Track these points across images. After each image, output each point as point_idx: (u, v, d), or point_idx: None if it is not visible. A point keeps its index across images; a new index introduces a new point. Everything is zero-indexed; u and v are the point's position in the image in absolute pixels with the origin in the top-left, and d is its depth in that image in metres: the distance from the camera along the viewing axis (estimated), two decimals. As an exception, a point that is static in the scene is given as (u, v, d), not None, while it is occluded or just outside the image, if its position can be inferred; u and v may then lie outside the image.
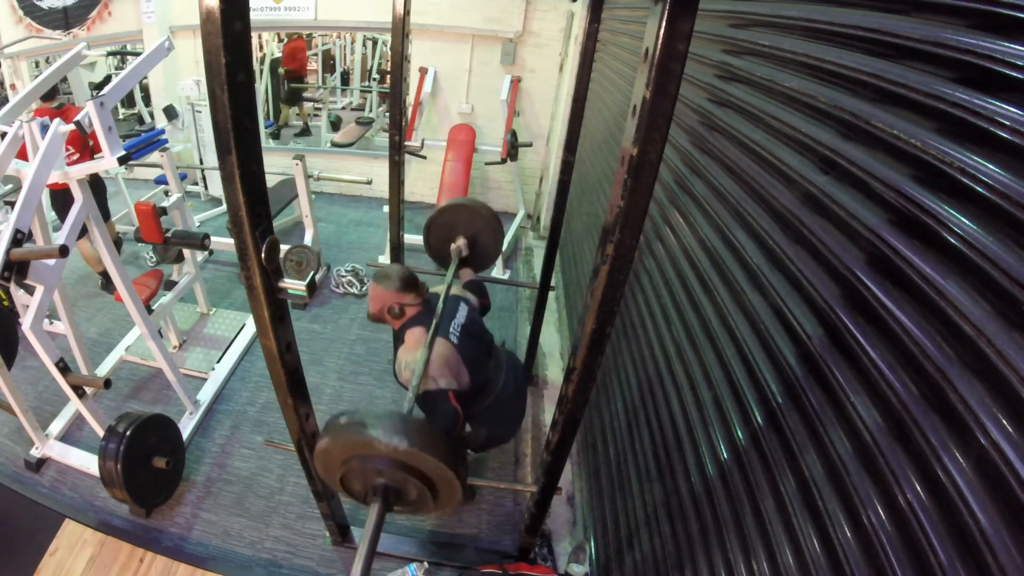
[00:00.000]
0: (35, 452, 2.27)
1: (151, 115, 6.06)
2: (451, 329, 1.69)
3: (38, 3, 4.79)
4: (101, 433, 1.97)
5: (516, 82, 4.43)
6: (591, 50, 2.16)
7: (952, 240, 0.63)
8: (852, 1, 0.92)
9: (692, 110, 1.56)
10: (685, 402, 1.30)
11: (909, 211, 0.69)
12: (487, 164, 4.43)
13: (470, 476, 2.22)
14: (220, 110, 0.87)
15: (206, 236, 2.52)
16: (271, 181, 3.54)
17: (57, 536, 1.92)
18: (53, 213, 3.59)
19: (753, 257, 1.08)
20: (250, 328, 3.16)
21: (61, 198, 2.95)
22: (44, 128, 1.90)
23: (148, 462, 2.00)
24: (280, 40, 6.59)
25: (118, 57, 5.60)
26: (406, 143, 2.60)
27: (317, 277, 3.65)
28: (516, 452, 2.52)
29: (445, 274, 2.01)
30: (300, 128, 6.89)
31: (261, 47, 6.35)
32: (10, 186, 3.31)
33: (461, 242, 2.12)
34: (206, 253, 3.22)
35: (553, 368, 3.02)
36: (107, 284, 3.43)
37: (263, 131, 5.54)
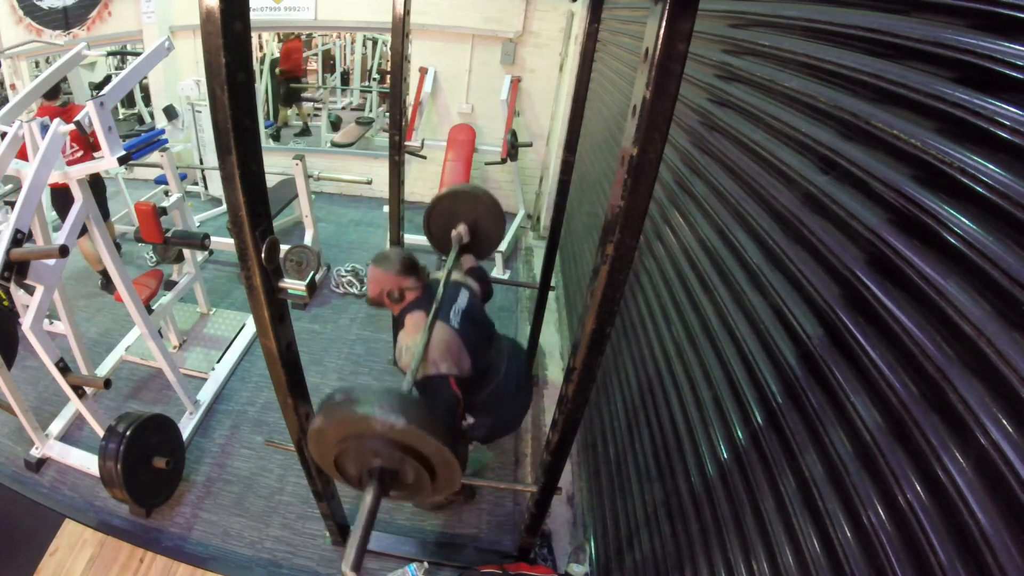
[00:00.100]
0: (35, 452, 2.27)
1: (151, 115, 6.06)
2: (452, 313, 1.66)
3: (38, 3, 4.80)
4: (101, 433, 1.97)
5: (516, 82, 4.43)
6: (591, 50, 2.16)
7: (952, 240, 0.63)
8: (852, 1, 0.92)
9: (692, 110, 1.56)
10: (685, 402, 1.30)
11: (909, 211, 0.69)
12: (487, 164, 4.43)
13: (470, 476, 2.23)
14: (220, 110, 0.87)
15: (206, 236, 2.52)
16: (271, 181, 3.54)
17: (57, 536, 1.92)
18: (54, 212, 3.60)
19: (753, 257, 1.08)
20: (250, 328, 3.16)
21: (61, 197, 2.95)
22: (44, 128, 1.90)
23: (148, 462, 2.00)
24: (279, 40, 6.59)
25: (118, 57, 5.60)
26: (406, 143, 2.60)
27: (317, 277, 3.65)
28: (516, 452, 2.52)
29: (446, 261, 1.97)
30: (300, 128, 6.89)
31: (261, 47, 6.36)
32: (10, 186, 3.31)
33: (462, 228, 2.07)
34: (206, 253, 3.22)
35: (553, 368, 3.02)
36: (107, 284, 3.43)
37: (263, 131, 5.54)
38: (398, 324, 1.72)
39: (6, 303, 2.19)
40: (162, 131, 3.66)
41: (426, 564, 1.91)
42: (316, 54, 7.84)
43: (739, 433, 1.03)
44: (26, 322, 1.83)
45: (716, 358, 1.18)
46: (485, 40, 4.48)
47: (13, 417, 2.20)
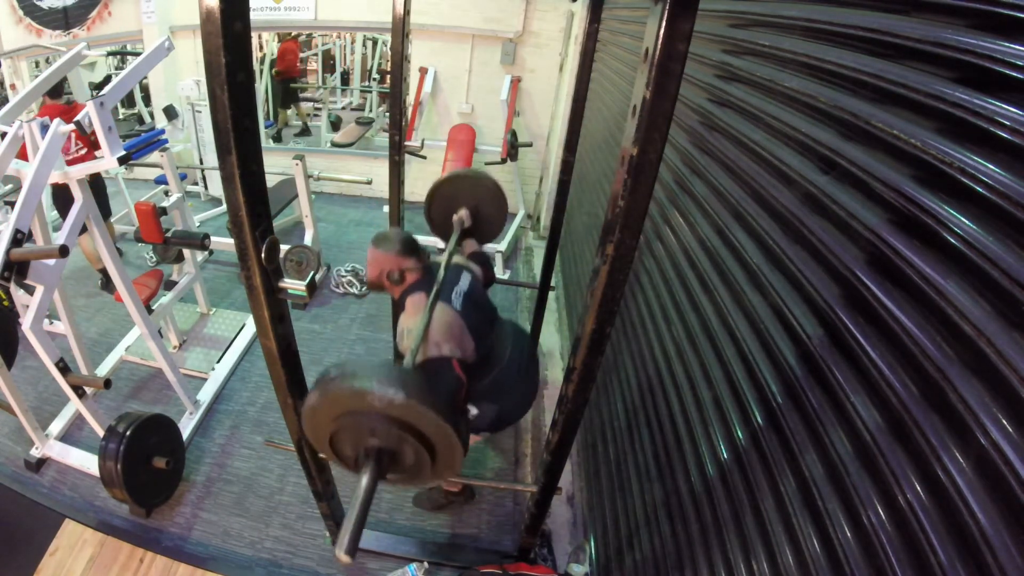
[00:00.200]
0: (35, 452, 2.27)
1: (151, 115, 6.07)
2: (453, 295, 1.61)
3: (38, 3, 4.80)
4: (101, 433, 1.97)
5: (516, 82, 4.43)
6: (591, 50, 2.16)
7: (952, 240, 0.63)
8: (852, 1, 0.92)
9: (692, 110, 1.56)
10: (685, 402, 1.30)
11: (909, 211, 0.69)
12: (487, 164, 4.43)
13: (470, 476, 2.23)
14: (220, 110, 0.87)
15: (206, 236, 2.52)
16: (271, 181, 3.54)
17: (57, 536, 1.92)
18: (54, 212, 3.60)
19: (753, 257, 1.08)
20: (250, 328, 3.16)
21: (62, 195, 2.95)
22: (44, 128, 1.90)
23: (148, 462, 2.00)
24: (279, 40, 6.59)
25: (118, 57, 5.60)
26: (406, 143, 2.60)
27: (317, 277, 3.65)
28: (516, 452, 2.52)
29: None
30: (300, 128, 6.89)
31: (261, 47, 6.36)
32: (10, 186, 3.31)
33: (463, 213, 2.02)
34: (206, 253, 3.22)
35: (553, 368, 3.02)
36: (107, 283, 3.43)
37: (263, 131, 5.54)
38: (398, 307, 1.67)
39: (6, 303, 2.19)
40: (162, 131, 3.66)
41: (426, 564, 1.91)
42: (316, 54, 7.85)
43: (739, 433, 1.03)
44: (26, 322, 1.83)
45: (716, 358, 1.18)
46: (485, 40, 4.48)
47: (13, 417, 2.20)
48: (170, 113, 4.66)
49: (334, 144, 5.65)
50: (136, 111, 6.70)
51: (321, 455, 1.63)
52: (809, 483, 0.80)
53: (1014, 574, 0.50)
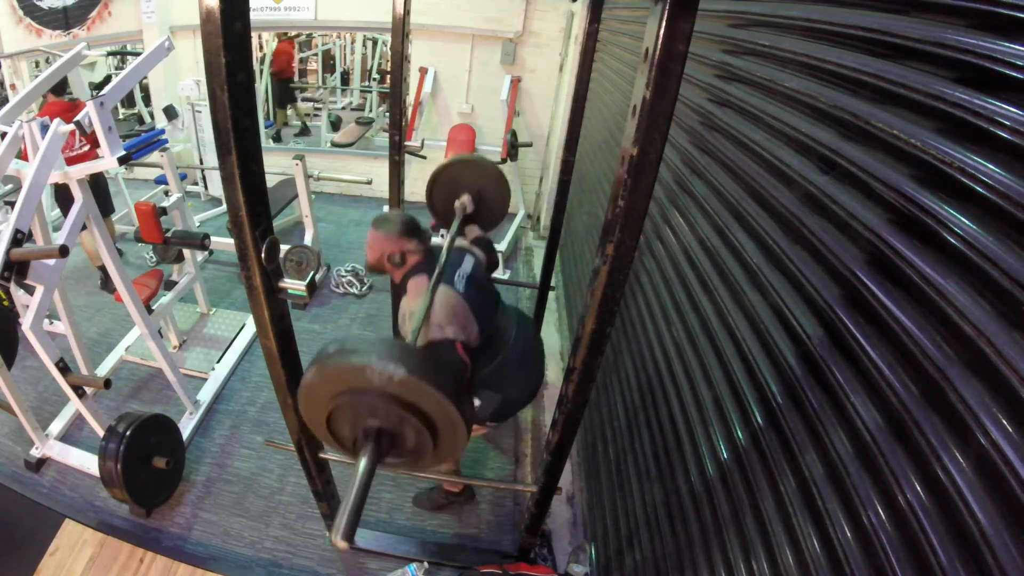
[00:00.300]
0: (35, 452, 2.27)
1: (151, 115, 6.07)
2: (456, 278, 1.58)
3: (38, 3, 4.80)
4: (101, 433, 1.97)
5: (516, 82, 4.43)
6: (591, 50, 2.16)
7: (952, 240, 0.62)
8: (852, 1, 0.92)
9: (692, 110, 1.56)
10: (685, 402, 1.30)
11: (909, 211, 0.69)
12: (487, 164, 4.43)
13: (470, 476, 2.24)
14: (220, 110, 0.87)
15: (206, 236, 2.52)
16: (271, 181, 3.54)
17: (57, 536, 1.92)
18: (55, 211, 3.60)
19: (753, 257, 1.08)
20: (250, 328, 3.16)
21: (65, 192, 2.95)
22: (44, 128, 1.90)
23: (148, 462, 2.00)
24: (278, 40, 6.59)
25: (118, 57, 5.60)
26: (406, 143, 2.60)
27: (317, 277, 3.65)
28: (516, 452, 2.52)
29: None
30: (299, 128, 6.89)
31: (261, 47, 6.36)
32: (10, 186, 3.31)
33: (466, 198, 1.97)
34: (206, 253, 3.22)
35: (553, 368, 3.02)
36: (106, 282, 3.43)
37: (263, 131, 5.54)
38: (399, 291, 1.64)
39: (6, 303, 2.20)
40: (162, 131, 3.66)
41: (426, 564, 1.91)
42: (316, 54, 7.85)
43: (739, 433, 1.03)
44: (26, 322, 1.83)
45: (716, 358, 1.18)
46: (485, 40, 4.48)
47: (13, 417, 2.20)
48: (170, 113, 4.66)
49: (334, 144, 5.65)
50: (136, 111, 6.69)
51: (322, 455, 1.64)
52: (809, 483, 0.80)
53: (1014, 574, 0.50)
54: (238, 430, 2.55)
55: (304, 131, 6.83)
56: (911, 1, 0.77)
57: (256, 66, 5.79)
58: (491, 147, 4.36)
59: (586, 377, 1.13)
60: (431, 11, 4.32)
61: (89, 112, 1.86)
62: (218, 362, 2.91)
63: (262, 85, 5.98)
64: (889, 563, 0.63)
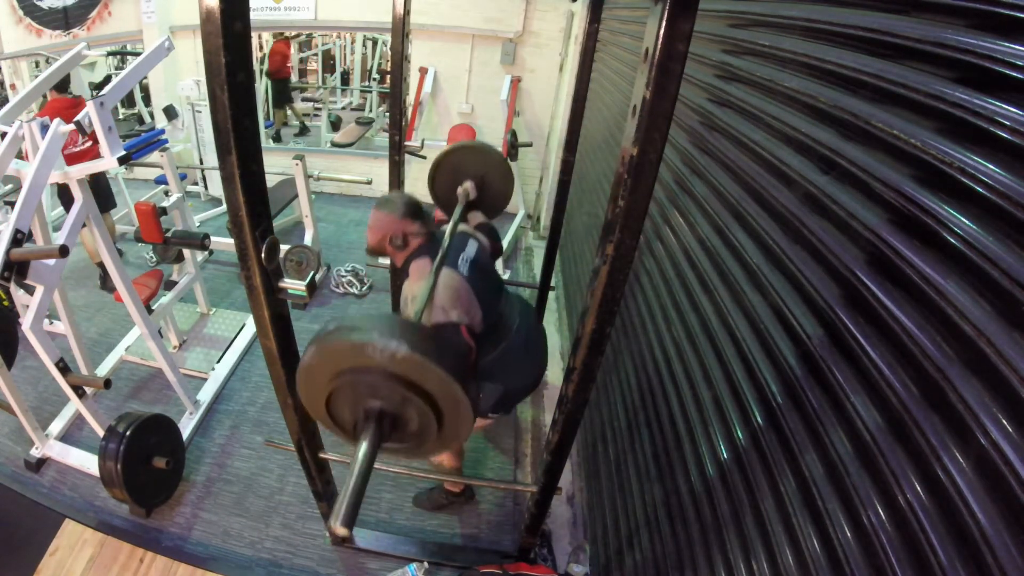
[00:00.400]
0: (35, 452, 2.27)
1: (151, 115, 6.07)
2: (460, 261, 1.53)
3: (38, 3, 4.80)
4: (101, 433, 1.97)
5: (516, 82, 4.43)
6: (591, 50, 2.16)
7: (952, 240, 0.63)
8: (852, 1, 0.92)
9: (692, 110, 1.56)
10: (685, 402, 1.30)
11: (909, 211, 0.69)
12: (487, 164, 4.43)
13: (470, 476, 2.24)
14: (220, 110, 0.87)
15: (206, 236, 2.52)
16: (271, 181, 3.54)
17: (57, 536, 1.92)
18: (55, 211, 3.60)
19: (753, 257, 1.08)
20: (250, 328, 3.15)
21: (67, 188, 2.96)
22: (44, 128, 1.90)
23: (148, 462, 2.00)
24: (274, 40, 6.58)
25: (118, 57, 5.60)
26: (406, 143, 2.59)
27: (317, 277, 3.65)
28: (516, 452, 2.52)
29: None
30: (298, 128, 6.88)
31: (261, 47, 6.36)
32: (10, 186, 3.31)
33: (468, 185, 1.94)
34: (206, 253, 3.22)
35: (553, 368, 3.02)
36: (105, 280, 3.43)
37: (263, 131, 5.54)
38: (401, 274, 1.60)
39: (6, 303, 2.20)
40: (162, 131, 3.65)
41: (426, 564, 1.91)
42: (316, 54, 7.85)
43: (739, 433, 1.03)
44: (26, 322, 1.83)
45: (716, 358, 1.18)
46: (485, 40, 4.48)
47: (13, 417, 2.20)
48: (170, 113, 4.66)
49: (334, 144, 5.65)
50: (136, 111, 6.69)
51: (322, 455, 1.64)
52: (809, 483, 0.80)
53: (1014, 574, 0.50)
54: (238, 430, 2.55)
55: (303, 131, 6.83)
56: (911, 1, 0.77)
57: (256, 66, 5.79)
58: (491, 147, 4.36)
59: (586, 377, 1.13)
60: (431, 11, 4.32)
61: (89, 112, 1.86)
62: (218, 362, 2.91)
63: (262, 85, 5.99)
64: (889, 563, 0.63)
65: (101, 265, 3.39)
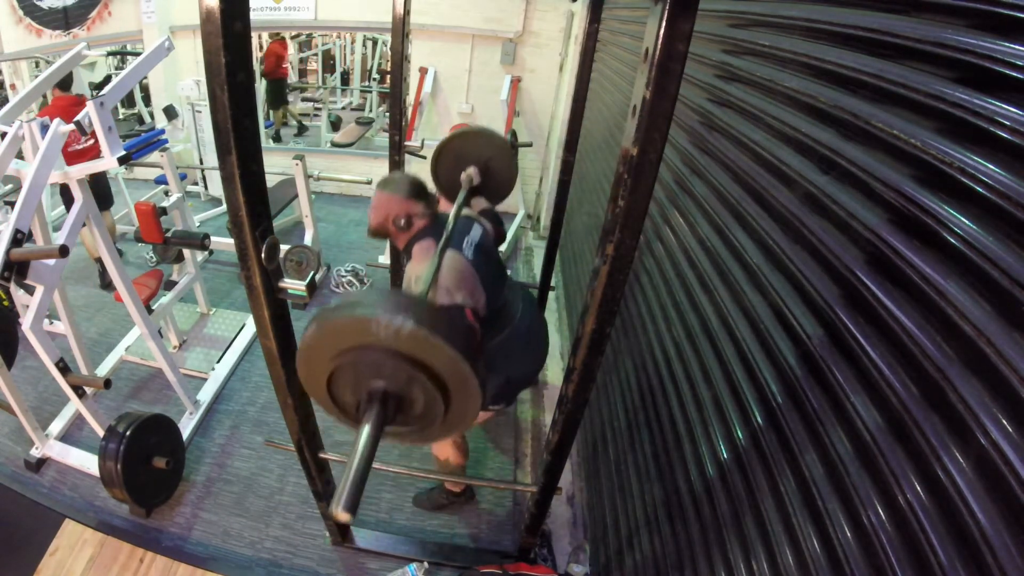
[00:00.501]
0: (35, 452, 2.27)
1: (151, 115, 6.07)
2: (464, 244, 1.50)
3: (38, 3, 4.80)
4: (101, 433, 1.97)
5: (516, 82, 4.43)
6: (591, 50, 2.16)
7: (952, 240, 0.63)
8: (852, 1, 0.92)
9: (692, 110, 1.56)
10: (685, 402, 1.30)
11: (909, 211, 0.69)
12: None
13: (470, 476, 2.24)
14: (220, 110, 0.87)
15: (206, 236, 2.52)
16: (271, 181, 3.54)
17: (57, 536, 1.92)
18: (55, 211, 3.60)
19: (753, 257, 1.08)
20: (250, 328, 3.15)
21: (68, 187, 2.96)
22: (44, 128, 1.90)
23: (148, 462, 2.00)
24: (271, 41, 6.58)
25: (118, 57, 5.60)
26: (406, 143, 2.60)
27: (317, 277, 3.65)
28: (516, 452, 2.53)
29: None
30: (296, 128, 6.87)
31: (261, 47, 6.36)
32: (10, 186, 3.32)
33: (472, 170, 1.90)
34: (206, 253, 3.22)
35: (553, 368, 3.02)
36: (104, 275, 3.43)
37: (263, 131, 5.54)
38: (403, 258, 1.57)
39: (6, 303, 2.20)
40: (162, 131, 3.66)
41: (426, 564, 1.91)
42: (316, 54, 7.85)
43: (739, 433, 1.03)
44: (26, 322, 1.83)
45: (716, 358, 1.18)
46: (485, 40, 4.48)
47: (13, 417, 2.20)
48: (170, 113, 4.66)
49: (334, 144, 5.65)
50: (136, 111, 6.69)
51: (322, 455, 1.64)
52: (809, 483, 0.80)
53: (1014, 574, 0.50)
54: (238, 430, 2.55)
55: (301, 130, 6.82)
56: (911, 1, 0.77)
57: (256, 66, 5.79)
58: (491, 147, 4.36)
59: (586, 377, 1.13)
60: (431, 11, 4.31)
61: (89, 112, 1.86)
62: (218, 362, 2.91)
63: (262, 85, 5.99)
64: (889, 563, 0.63)
65: (100, 261, 3.39)
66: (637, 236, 0.87)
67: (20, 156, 2.01)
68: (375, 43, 7.67)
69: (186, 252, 2.93)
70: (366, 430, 0.86)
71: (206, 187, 4.99)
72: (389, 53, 7.08)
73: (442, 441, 1.93)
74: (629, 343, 1.84)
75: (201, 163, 4.71)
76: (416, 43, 4.47)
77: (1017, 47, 0.59)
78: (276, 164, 3.25)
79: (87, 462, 2.21)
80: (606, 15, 2.82)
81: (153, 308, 2.58)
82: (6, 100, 4.75)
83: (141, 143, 2.61)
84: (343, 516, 0.78)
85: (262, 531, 2.10)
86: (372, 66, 7.75)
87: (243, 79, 0.87)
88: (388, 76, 5.89)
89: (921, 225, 0.67)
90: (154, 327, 2.34)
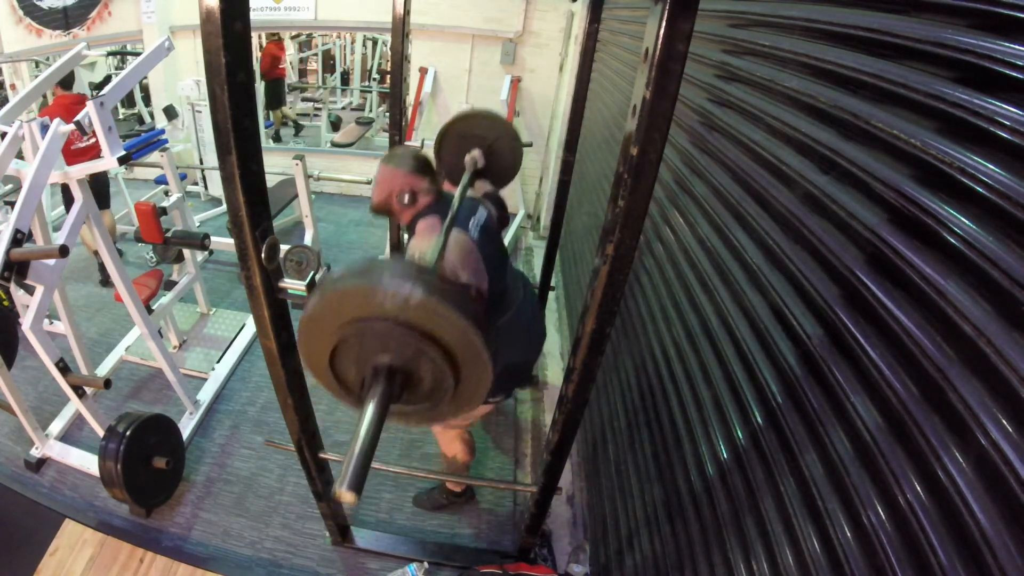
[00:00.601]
0: (35, 452, 2.27)
1: (151, 115, 6.07)
2: (470, 225, 1.47)
3: (38, 3, 4.80)
4: (101, 433, 1.97)
5: (516, 82, 4.43)
6: (591, 50, 2.16)
7: (952, 240, 0.63)
8: (852, 1, 0.92)
9: (692, 110, 1.56)
10: (685, 402, 1.30)
11: (909, 211, 0.69)
12: (487, 164, 4.42)
13: (470, 476, 2.24)
14: (220, 110, 0.87)
15: (206, 236, 2.52)
16: (271, 181, 3.54)
17: (57, 536, 1.92)
18: (55, 211, 3.60)
19: (753, 257, 1.08)
20: (250, 328, 3.15)
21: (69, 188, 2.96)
22: (44, 128, 1.90)
23: (148, 462, 2.00)
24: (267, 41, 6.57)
25: (118, 57, 5.60)
26: (406, 143, 2.60)
27: (317, 277, 3.64)
28: (516, 452, 2.53)
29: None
30: (293, 127, 6.86)
31: (261, 47, 6.36)
32: (10, 186, 3.32)
33: (476, 153, 1.86)
34: (206, 253, 3.22)
35: (553, 368, 3.02)
36: (103, 270, 3.42)
37: (263, 131, 5.54)
38: (408, 234, 1.53)
39: (6, 303, 2.20)
40: (162, 131, 3.66)
41: (426, 564, 1.91)
42: (316, 54, 7.86)
43: (739, 433, 1.03)
44: (26, 322, 1.83)
45: (716, 358, 1.18)
46: (485, 40, 4.48)
47: (13, 417, 2.20)
48: (170, 113, 4.66)
49: (334, 144, 5.65)
50: (136, 111, 6.70)
51: (322, 455, 1.64)
52: (809, 483, 0.80)
53: (1014, 574, 0.50)
54: (238, 430, 2.55)
55: (297, 130, 6.80)
56: (911, 1, 0.77)
57: (256, 66, 5.79)
58: (491, 147, 4.36)
59: (586, 377, 1.13)
60: (431, 11, 4.31)
61: (89, 112, 1.86)
62: (218, 362, 2.91)
63: (262, 85, 5.99)
64: (889, 563, 0.63)
65: (98, 254, 3.39)
66: (637, 236, 0.87)
67: (20, 156, 2.01)
68: (375, 43, 7.67)
69: (186, 252, 2.93)
70: (371, 407, 0.80)
71: (206, 187, 4.99)
72: (389, 53, 7.08)
73: (451, 438, 1.93)
74: (629, 343, 1.84)
75: (201, 163, 4.71)
76: (416, 43, 4.47)
77: (1017, 47, 0.59)
78: (276, 164, 3.24)
79: (87, 462, 2.21)
80: (606, 15, 2.82)
81: (153, 308, 2.58)
82: (6, 100, 4.75)
83: (141, 143, 2.61)
84: (348, 496, 0.74)
85: (262, 531, 2.10)
86: (372, 66, 7.75)
87: (243, 79, 0.87)
88: (388, 76, 5.89)
89: (921, 225, 0.67)
90: (154, 327, 2.34)
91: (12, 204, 2.01)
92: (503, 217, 1.83)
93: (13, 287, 2.36)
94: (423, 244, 1.37)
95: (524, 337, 1.71)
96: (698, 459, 1.18)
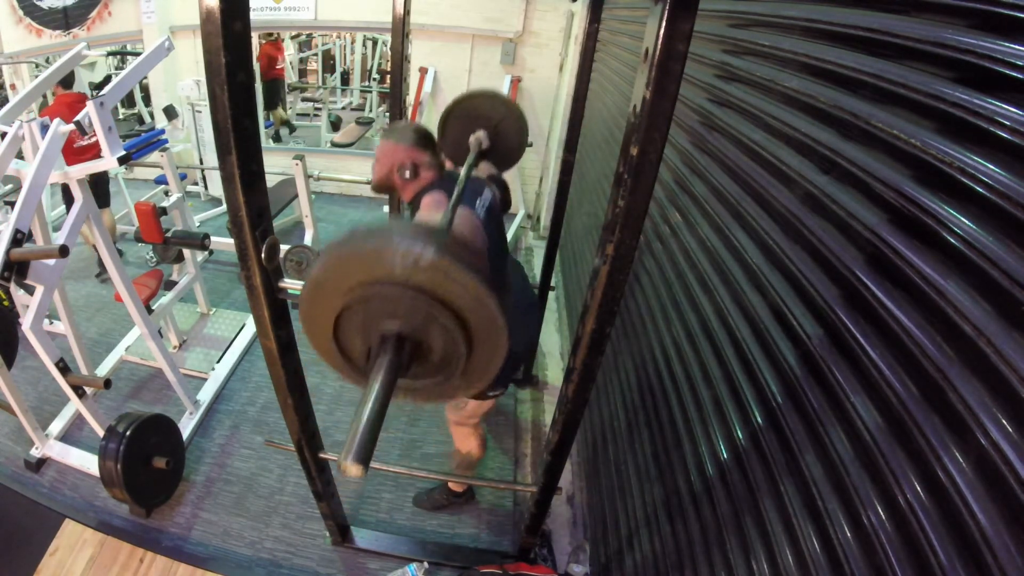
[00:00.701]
0: (35, 452, 2.27)
1: (151, 115, 6.07)
2: (477, 204, 1.43)
3: (38, 3, 4.80)
4: (101, 433, 1.97)
5: (516, 82, 4.43)
6: (591, 50, 2.16)
7: (952, 240, 0.63)
8: (852, 1, 0.92)
9: (692, 110, 1.56)
10: (685, 402, 1.30)
11: (909, 211, 0.69)
12: (487, 164, 4.43)
13: (470, 476, 2.24)
14: (220, 110, 0.87)
15: (206, 236, 2.52)
16: (271, 181, 3.54)
17: (57, 536, 1.92)
18: (55, 211, 3.60)
19: (753, 257, 1.08)
20: (250, 328, 3.15)
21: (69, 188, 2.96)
22: (44, 128, 1.90)
23: (148, 462, 2.00)
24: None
25: (118, 57, 5.60)
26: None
27: (317, 277, 3.63)
28: (516, 452, 2.53)
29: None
30: (288, 127, 6.83)
31: (261, 47, 6.35)
32: (10, 186, 3.32)
33: (481, 134, 1.83)
34: (206, 253, 3.22)
35: (553, 368, 3.02)
36: (101, 263, 3.42)
37: (263, 131, 5.54)
38: (412, 210, 1.48)
39: (6, 303, 2.20)
40: (162, 131, 3.66)
41: (426, 564, 1.91)
42: (316, 54, 7.86)
43: (739, 433, 1.03)
44: (26, 322, 1.83)
45: (716, 358, 1.18)
46: (485, 40, 4.48)
47: (13, 417, 2.20)
48: (170, 113, 4.66)
49: (334, 144, 5.65)
50: (136, 111, 6.70)
51: (322, 455, 1.64)
52: (809, 483, 0.80)
53: (1014, 574, 0.50)
54: (238, 430, 2.55)
55: (290, 130, 6.76)
56: (911, 1, 0.77)
57: (256, 66, 5.79)
58: (491, 147, 4.36)
59: (586, 377, 1.13)
60: (431, 11, 4.32)
61: (89, 112, 1.86)
62: (218, 362, 2.91)
63: (262, 85, 5.98)
64: (889, 563, 0.63)
65: (96, 248, 3.38)
66: (637, 236, 0.87)
67: (20, 156, 2.01)
68: (375, 43, 7.67)
69: (186, 252, 2.93)
70: (379, 377, 0.74)
71: (206, 187, 4.99)
72: (389, 53, 7.08)
73: (467, 434, 1.92)
74: (629, 343, 1.84)
75: (201, 163, 4.71)
76: (416, 43, 4.47)
77: (1017, 47, 0.59)
78: (276, 164, 3.25)
79: (87, 462, 2.21)
80: (606, 15, 2.82)
81: (153, 308, 2.58)
82: (6, 100, 4.75)
83: (141, 143, 2.60)
84: (354, 469, 0.67)
85: (262, 531, 2.10)
86: (372, 66, 7.75)
87: (243, 79, 0.87)
88: (388, 76, 5.89)
89: (921, 225, 0.67)
90: (154, 327, 2.34)
91: (12, 204, 2.02)
92: (506, 200, 1.80)
93: (13, 287, 2.37)
94: (427, 217, 1.31)
95: (523, 321, 1.69)
96: (698, 459, 1.18)
